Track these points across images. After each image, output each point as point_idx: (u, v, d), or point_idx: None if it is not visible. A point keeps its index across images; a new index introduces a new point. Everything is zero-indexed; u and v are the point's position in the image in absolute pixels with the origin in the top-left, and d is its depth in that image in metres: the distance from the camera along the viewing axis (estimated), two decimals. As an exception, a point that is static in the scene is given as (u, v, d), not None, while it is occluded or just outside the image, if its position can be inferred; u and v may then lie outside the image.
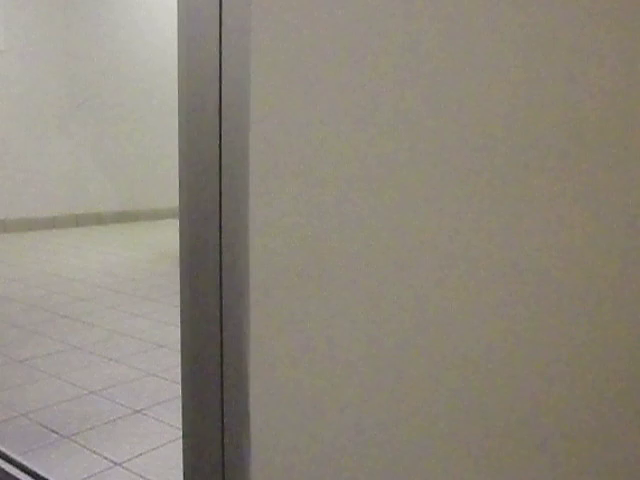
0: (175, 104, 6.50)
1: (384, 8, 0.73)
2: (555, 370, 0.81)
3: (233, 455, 0.75)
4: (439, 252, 0.80)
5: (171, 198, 6.58)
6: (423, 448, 0.85)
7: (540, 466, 0.78)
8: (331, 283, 0.75)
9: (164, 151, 6.53)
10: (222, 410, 0.76)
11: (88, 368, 2.25)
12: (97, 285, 3.56)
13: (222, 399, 0.75)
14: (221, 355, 0.75)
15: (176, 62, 6.64)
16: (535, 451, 0.81)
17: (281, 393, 0.74)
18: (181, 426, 1.78)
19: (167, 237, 5.37)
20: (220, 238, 0.73)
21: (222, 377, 0.75)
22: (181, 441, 1.69)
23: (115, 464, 1.56)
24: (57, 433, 1.72)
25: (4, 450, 1.57)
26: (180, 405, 1.94)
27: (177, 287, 3.55)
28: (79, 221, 5.90)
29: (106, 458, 1.59)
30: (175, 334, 2.68)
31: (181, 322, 0.80)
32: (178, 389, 2.07)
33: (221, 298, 0.74)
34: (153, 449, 1.65)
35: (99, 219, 6.06)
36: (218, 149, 0.72)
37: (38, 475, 1.47)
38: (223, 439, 0.76)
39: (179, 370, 2.22)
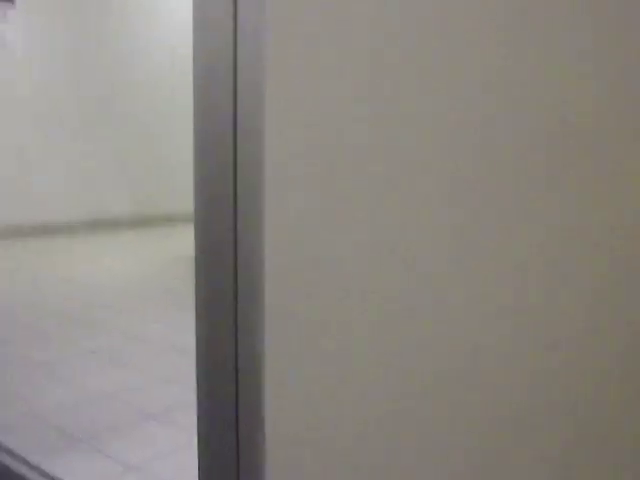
0: (190, 110, 6.55)
1: (397, 25, 0.73)
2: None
3: (248, 459, 0.75)
4: (451, 253, 0.80)
5: (186, 203, 6.61)
6: (446, 462, 0.85)
7: None
8: (346, 287, 0.76)
9: (179, 156, 6.57)
10: (237, 413, 0.76)
11: (103, 372, 2.26)
12: (112, 290, 3.58)
13: (237, 403, 0.76)
14: (236, 358, 0.75)
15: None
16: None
17: (296, 397, 0.74)
18: (195, 430, 1.78)
19: (182, 242, 5.40)
20: (235, 242, 0.74)
21: (237, 380, 0.75)
22: (195, 446, 1.70)
23: (130, 468, 1.57)
24: (73, 436, 1.74)
25: (21, 453, 1.58)
26: (194, 410, 1.94)
27: (192, 292, 3.57)
28: (95, 226, 5.95)
29: (121, 462, 1.60)
30: (190, 339, 2.70)
31: (196, 326, 0.80)
32: (192, 394, 2.08)
33: (236, 302, 0.75)
34: (167, 453, 1.66)
35: (115, 224, 6.10)
36: (233, 154, 0.72)
37: (54, 478, 1.48)
38: (238, 443, 0.76)
39: (193, 375, 2.23)
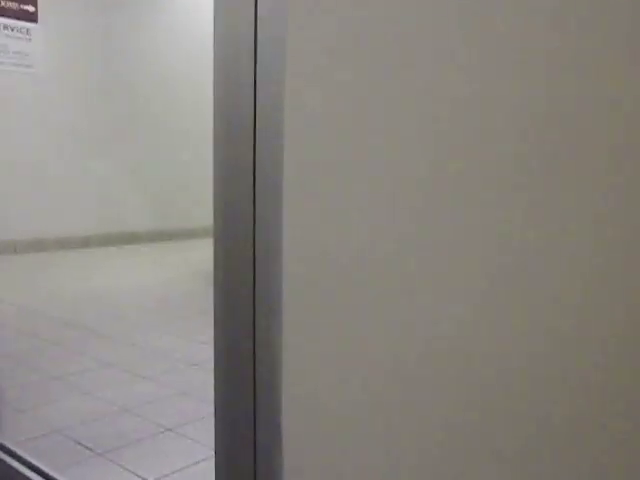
0: (210, 124, 6.60)
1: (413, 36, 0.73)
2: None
3: (265, 471, 0.75)
4: (474, 263, 0.80)
5: (205, 217, 6.64)
6: (468, 466, 0.84)
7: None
8: (364, 296, 0.75)
9: (198, 171, 6.61)
10: (254, 426, 0.76)
11: (121, 385, 2.27)
12: (130, 303, 3.60)
13: (255, 415, 0.75)
14: (254, 371, 0.75)
15: (212, 82, 6.76)
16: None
17: (315, 409, 0.74)
18: (213, 445, 1.78)
19: (201, 256, 5.42)
20: (254, 257, 0.74)
21: (255, 393, 0.75)
22: (212, 460, 1.69)
23: (147, 481, 1.57)
24: (91, 450, 1.74)
25: (40, 466, 1.59)
26: (211, 423, 1.94)
27: (210, 305, 3.57)
28: (113, 240, 6.00)
29: (138, 476, 1.60)
30: (207, 352, 2.70)
31: (215, 340, 0.81)
32: (210, 407, 2.08)
33: (254, 315, 0.75)
34: (185, 467, 1.66)
35: (133, 238, 6.15)
36: (252, 168, 0.73)
37: (72, 491, 1.48)
38: (255, 454, 0.76)
39: (211, 388, 2.23)
